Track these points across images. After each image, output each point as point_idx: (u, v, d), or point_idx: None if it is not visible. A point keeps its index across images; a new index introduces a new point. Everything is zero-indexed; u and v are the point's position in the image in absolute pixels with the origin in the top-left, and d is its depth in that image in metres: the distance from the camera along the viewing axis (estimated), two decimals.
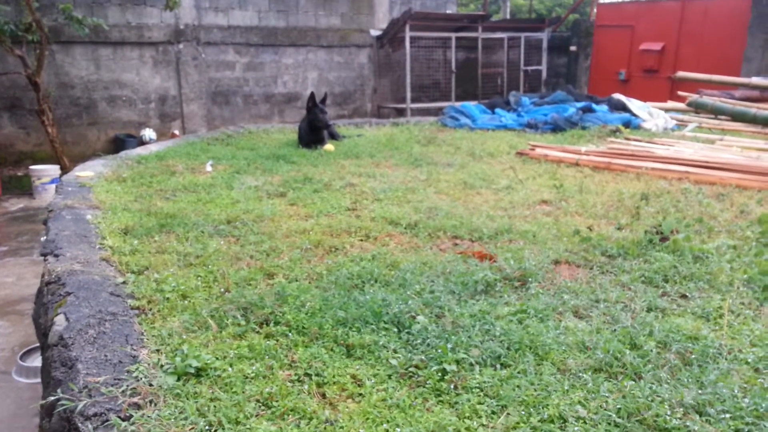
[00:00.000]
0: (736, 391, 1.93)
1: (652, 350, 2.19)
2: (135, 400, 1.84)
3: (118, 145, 10.79)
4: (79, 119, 11.14)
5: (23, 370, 4.67)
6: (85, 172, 4.93)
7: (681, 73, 10.61)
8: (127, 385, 1.90)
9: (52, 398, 1.88)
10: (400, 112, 12.70)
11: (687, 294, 2.74)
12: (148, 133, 11.25)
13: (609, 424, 1.77)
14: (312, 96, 6.88)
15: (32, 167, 9.76)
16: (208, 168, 5.38)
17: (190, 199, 4.30)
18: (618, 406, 1.84)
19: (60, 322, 2.29)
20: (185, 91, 11.76)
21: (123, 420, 1.74)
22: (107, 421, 1.74)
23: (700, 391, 1.93)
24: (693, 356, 2.16)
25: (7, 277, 6.54)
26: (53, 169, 9.65)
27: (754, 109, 8.36)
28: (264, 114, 12.52)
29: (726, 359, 2.16)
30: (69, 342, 2.14)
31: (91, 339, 2.16)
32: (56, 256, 2.95)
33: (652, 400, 1.87)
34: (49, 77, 10.55)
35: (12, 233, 7.92)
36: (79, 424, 1.73)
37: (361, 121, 9.28)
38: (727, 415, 1.80)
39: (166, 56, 11.55)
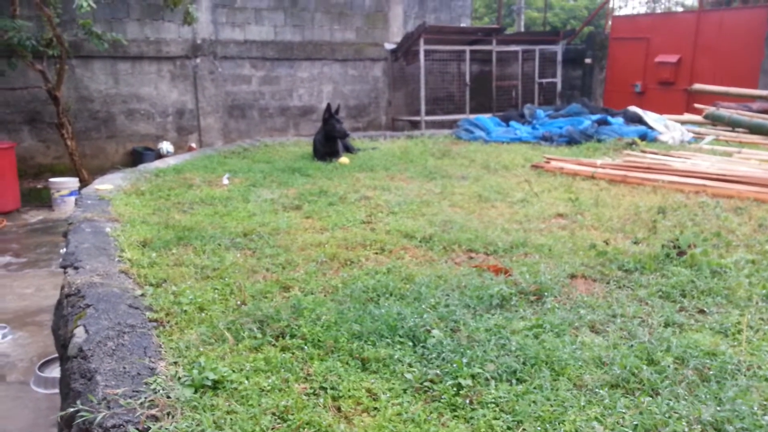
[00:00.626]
0: (755, 408, 1.91)
1: (669, 366, 2.18)
2: (153, 412, 1.86)
3: (135, 157, 10.93)
4: (98, 132, 11.31)
5: (41, 381, 4.72)
6: (104, 185, 5.00)
7: (697, 86, 10.55)
8: (145, 397, 1.92)
9: (72, 410, 1.90)
10: (415, 125, 12.74)
11: (705, 309, 2.71)
12: (166, 146, 11.38)
13: None
14: (329, 107, 6.94)
15: (51, 180, 9.91)
16: (225, 181, 5.43)
17: (207, 212, 4.35)
18: (635, 423, 1.83)
19: (80, 334, 2.32)
20: (202, 105, 11.90)
21: None
22: None
23: (718, 408, 1.91)
24: (711, 372, 2.14)
25: (27, 288, 6.63)
26: (72, 182, 9.78)
27: None
28: (279, 127, 12.62)
29: (745, 375, 2.14)
30: (88, 354, 2.17)
31: (110, 351, 2.19)
32: (76, 268, 3.00)
33: (669, 417, 1.86)
34: (69, 91, 10.73)
35: (31, 245, 8.04)
36: None
37: (375, 134, 9.32)
38: None
39: (184, 70, 11.71)
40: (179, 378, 2.07)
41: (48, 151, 10.97)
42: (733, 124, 8.68)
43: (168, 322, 2.53)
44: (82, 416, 1.84)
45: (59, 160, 10.85)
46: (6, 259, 7.51)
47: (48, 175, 10.56)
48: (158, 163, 6.44)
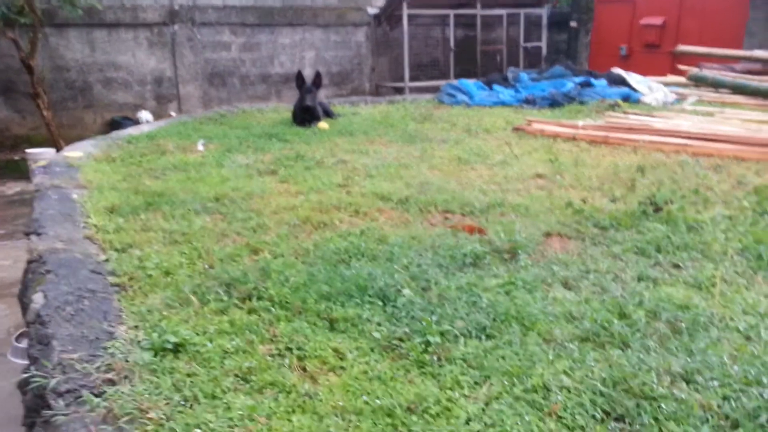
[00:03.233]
0: (725, 359, 1.88)
1: (641, 319, 2.15)
2: (109, 376, 1.80)
3: (114, 127, 10.67)
4: (75, 102, 11.06)
5: (18, 351, 4.65)
6: (74, 152, 4.88)
7: (682, 47, 10.45)
8: (102, 362, 1.87)
9: (25, 375, 1.84)
10: (399, 91, 12.57)
11: (679, 264, 2.68)
12: (145, 115, 11.16)
13: (594, 393, 1.73)
14: (299, 74, 6.80)
15: (28, 151, 9.67)
16: (200, 147, 5.32)
17: (179, 177, 4.25)
18: (604, 375, 1.80)
19: (38, 300, 2.25)
20: (181, 73, 11.66)
21: (96, 396, 1.70)
22: (80, 397, 1.70)
23: (688, 360, 1.89)
24: (683, 325, 2.12)
25: (4, 260, 6.54)
26: (50, 153, 9.48)
27: (755, 81, 8.24)
28: (261, 95, 12.41)
29: (717, 327, 2.11)
30: (46, 320, 2.10)
31: (69, 316, 2.12)
32: (39, 234, 2.91)
33: (639, 369, 1.83)
34: (44, 60, 10.44)
35: (9, 216, 7.91)
36: (52, 401, 1.69)
37: (356, 99, 9.18)
38: (716, 383, 1.76)
39: (162, 38, 11.43)
40: (139, 342, 2.01)
41: (24, 121, 10.72)
42: (716, 85, 8.62)
43: (131, 286, 2.46)
44: (36, 382, 1.78)
45: (36, 131, 10.61)
46: None
47: (25, 146, 10.31)
48: (131, 130, 6.30)
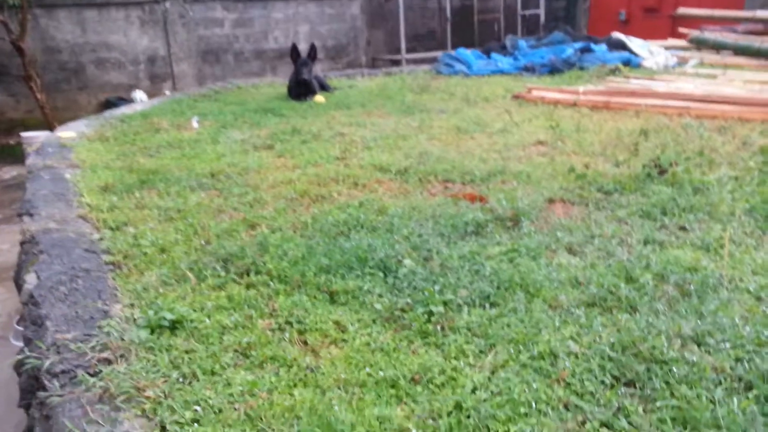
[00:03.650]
0: (736, 320, 1.83)
1: (648, 283, 2.09)
2: (105, 355, 1.76)
3: (109, 108, 10.57)
4: (68, 84, 10.92)
5: (20, 335, 4.64)
6: (66, 132, 4.80)
7: (682, 10, 10.26)
8: (98, 341, 1.82)
9: (19, 357, 1.80)
10: (396, 64, 12.39)
11: (686, 226, 2.62)
12: (139, 95, 11.02)
13: (602, 358, 1.68)
14: (294, 48, 6.67)
15: (23, 134, 9.57)
16: (194, 124, 5.23)
17: (174, 155, 4.17)
18: (612, 340, 1.75)
19: (31, 280, 2.20)
20: (174, 51, 11.49)
21: (91, 376, 1.66)
22: (75, 377, 1.66)
23: (699, 322, 1.84)
24: (692, 287, 2.06)
25: (3, 244, 6.48)
26: (45, 136, 9.47)
27: (757, 42, 8.09)
28: (256, 71, 12.23)
29: (726, 289, 2.06)
30: (39, 300, 2.06)
31: (62, 296, 2.07)
32: (31, 215, 2.85)
33: (648, 333, 1.78)
34: (35, 42, 10.27)
35: (5, 201, 7.84)
36: (46, 382, 1.65)
37: (353, 72, 9.06)
38: (727, 345, 1.71)
39: (153, 15, 11.23)
40: (135, 320, 1.97)
41: (18, 105, 10.59)
42: (717, 47, 8.47)
43: (126, 264, 2.41)
44: (30, 363, 1.74)
45: (31, 114, 10.49)
46: None
47: (20, 130, 10.17)
48: (125, 109, 6.21)
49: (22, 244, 2.68)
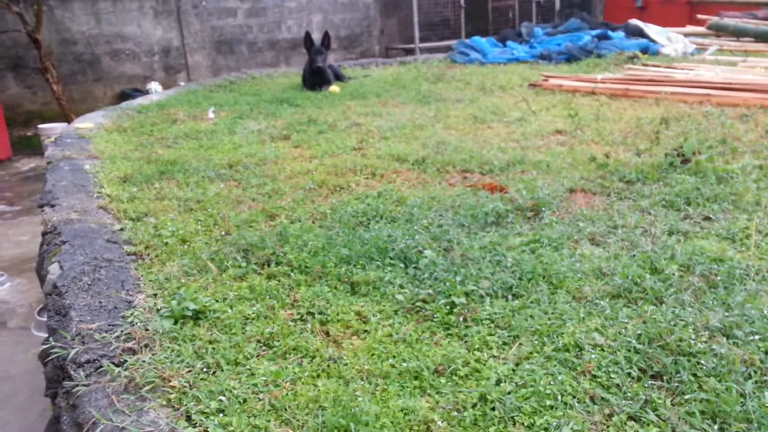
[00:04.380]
0: (765, 312, 1.80)
1: (674, 274, 2.07)
2: (129, 345, 1.77)
3: (124, 100, 10.59)
4: (84, 76, 10.98)
5: (41, 325, 4.69)
6: (84, 123, 4.82)
7: None
8: (122, 331, 1.83)
9: (44, 347, 1.81)
10: (409, 53, 12.32)
11: (711, 216, 2.59)
12: (154, 86, 11.06)
13: (629, 350, 1.66)
14: (308, 36, 6.64)
15: (40, 126, 9.68)
16: (210, 115, 5.24)
17: (191, 145, 4.18)
18: (638, 332, 1.73)
19: (54, 270, 2.21)
20: (188, 42, 11.51)
21: (116, 366, 1.67)
22: (100, 367, 1.67)
23: (726, 314, 1.81)
24: (718, 278, 2.03)
25: (23, 235, 6.55)
26: (61, 127, 9.54)
27: None
28: (270, 61, 12.23)
29: (754, 280, 2.03)
30: (63, 290, 2.07)
31: (86, 286, 2.08)
32: (53, 206, 2.87)
33: (674, 325, 1.76)
34: (50, 34, 10.33)
35: (24, 192, 7.91)
36: (72, 372, 1.66)
37: (367, 62, 9.02)
38: (757, 337, 1.68)
39: (167, 6, 11.25)
40: (158, 310, 1.97)
41: (35, 97, 10.67)
42: (737, 33, 8.34)
43: (147, 255, 2.42)
44: (55, 353, 1.75)
45: (47, 106, 10.57)
46: (0, 208, 7.41)
47: (37, 122, 10.30)
48: (141, 100, 6.23)
49: (44, 234, 2.70)
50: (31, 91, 10.58)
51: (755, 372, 1.55)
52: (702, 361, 1.59)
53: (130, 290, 2.09)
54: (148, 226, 2.68)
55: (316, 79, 6.51)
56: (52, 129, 9.53)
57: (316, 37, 7.01)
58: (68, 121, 9.76)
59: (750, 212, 2.58)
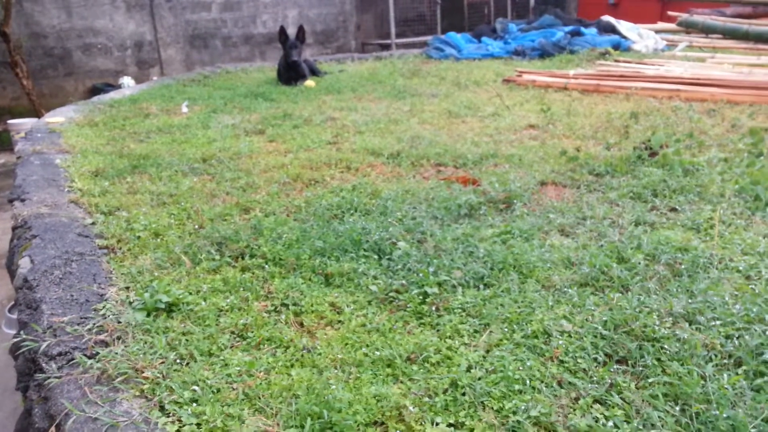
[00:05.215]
0: (726, 299, 1.86)
1: (640, 263, 2.12)
2: (102, 337, 1.76)
3: (96, 95, 10.44)
4: (55, 70, 10.78)
5: (12, 323, 4.62)
6: (55, 118, 4.75)
7: None
8: (94, 323, 1.82)
9: (15, 340, 1.80)
10: (385, 48, 12.32)
11: (677, 207, 2.65)
12: (127, 81, 10.91)
13: (595, 336, 1.71)
14: (282, 30, 6.62)
15: (10, 121, 9.48)
16: (184, 109, 5.20)
17: (164, 140, 4.15)
18: (604, 319, 1.77)
19: (24, 264, 2.19)
20: (161, 36, 11.37)
21: (89, 358, 1.66)
22: (72, 359, 1.66)
23: (689, 301, 1.86)
24: (682, 267, 2.09)
25: None
26: (32, 122, 9.37)
27: (746, 25, 8.13)
28: (245, 56, 12.14)
29: (717, 268, 2.09)
30: (34, 284, 2.05)
31: (57, 280, 2.07)
32: (23, 200, 2.84)
33: (640, 312, 1.81)
34: (20, 27, 10.12)
35: None
36: (43, 364, 1.65)
37: (343, 57, 9.01)
38: (718, 322, 1.74)
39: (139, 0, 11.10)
40: (131, 303, 1.97)
41: (4, 92, 10.46)
42: (706, 30, 8.51)
43: (120, 248, 2.41)
44: (26, 346, 1.74)
45: (17, 101, 10.37)
46: None
47: (7, 117, 10.10)
48: (113, 94, 6.16)
49: (14, 229, 2.66)
50: (0, 86, 10.37)
51: (716, 356, 1.61)
52: (665, 346, 1.65)
53: (102, 283, 2.08)
54: (120, 220, 2.67)
55: (291, 73, 6.50)
56: (22, 124, 9.34)
57: (291, 31, 6.99)
58: (38, 116, 9.59)
59: (714, 203, 2.65)
